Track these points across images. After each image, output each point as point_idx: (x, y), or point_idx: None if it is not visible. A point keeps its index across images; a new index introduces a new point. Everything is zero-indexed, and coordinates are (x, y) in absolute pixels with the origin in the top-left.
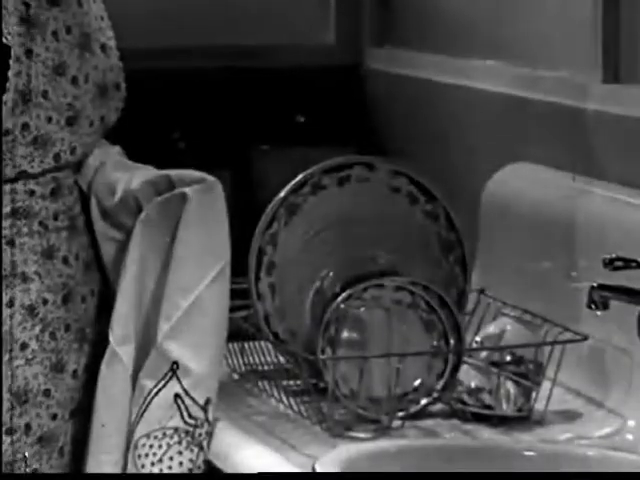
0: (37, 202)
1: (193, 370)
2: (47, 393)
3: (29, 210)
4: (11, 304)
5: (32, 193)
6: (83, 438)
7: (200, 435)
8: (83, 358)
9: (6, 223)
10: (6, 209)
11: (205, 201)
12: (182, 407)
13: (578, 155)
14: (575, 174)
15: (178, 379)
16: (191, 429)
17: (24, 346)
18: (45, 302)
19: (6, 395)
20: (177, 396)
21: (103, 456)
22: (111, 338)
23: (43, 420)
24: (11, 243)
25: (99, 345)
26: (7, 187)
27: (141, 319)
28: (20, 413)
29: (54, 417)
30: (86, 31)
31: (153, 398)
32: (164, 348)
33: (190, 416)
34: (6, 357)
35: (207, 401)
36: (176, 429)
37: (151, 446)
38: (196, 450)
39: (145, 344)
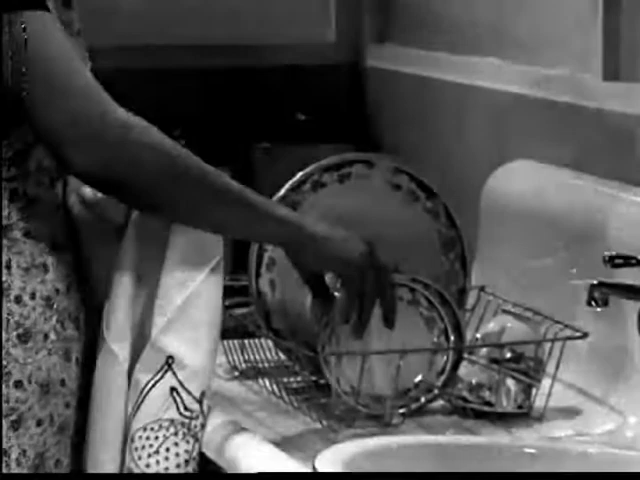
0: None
1: (188, 363)
2: (63, 382)
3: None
4: (33, 296)
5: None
6: (82, 428)
7: (195, 427)
8: (80, 347)
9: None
10: (22, 201)
11: None
12: (178, 400)
13: (578, 152)
14: (574, 170)
15: (174, 372)
16: (187, 421)
17: (46, 337)
18: (57, 292)
19: (34, 387)
20: (173, 389)
21: (101, 453)
22: (106, 335)
23: (60, 409)
24: (28, 234)
25: (89, 334)
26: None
27: (136, 315)
28: (44, 404)
29: (67, 406)
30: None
31: (149, 391)
32: (159, 343)
33: (186, 408)
34: (32, 349)
35: (202, 393)
36: (172, 421)
37: (147, 438)
38: (192, 441)
39: (140, 340)
